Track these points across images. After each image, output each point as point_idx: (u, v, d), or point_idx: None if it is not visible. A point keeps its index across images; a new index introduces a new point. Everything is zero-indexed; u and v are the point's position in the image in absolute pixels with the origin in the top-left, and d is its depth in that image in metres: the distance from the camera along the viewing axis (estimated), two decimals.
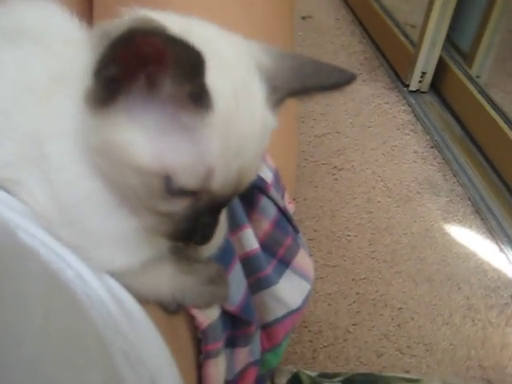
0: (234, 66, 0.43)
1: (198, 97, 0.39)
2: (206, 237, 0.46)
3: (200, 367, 0.58)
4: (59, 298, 0.35)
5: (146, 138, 0.40)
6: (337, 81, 0.47)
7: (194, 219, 0.44)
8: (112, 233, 0.46)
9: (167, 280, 0.52)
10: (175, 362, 0.50)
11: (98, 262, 0.47)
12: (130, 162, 0.40)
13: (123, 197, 0.44)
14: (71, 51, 0.52)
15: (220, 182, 0.42)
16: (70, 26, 0.58)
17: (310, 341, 1.13)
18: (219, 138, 0.41)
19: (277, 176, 0.73)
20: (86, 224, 0.46)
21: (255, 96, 0.44)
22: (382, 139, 1.72)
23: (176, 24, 0.41)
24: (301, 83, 0.47)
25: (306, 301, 0.72)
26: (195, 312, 0.56)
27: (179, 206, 0.43)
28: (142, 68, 0.38)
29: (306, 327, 1.15)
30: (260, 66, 0.45)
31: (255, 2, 0.77)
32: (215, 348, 0.58)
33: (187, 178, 0.41)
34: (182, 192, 0.42)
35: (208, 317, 0.57)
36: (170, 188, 0.41)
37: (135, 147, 0.40)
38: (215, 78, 0.40)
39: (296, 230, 0.74)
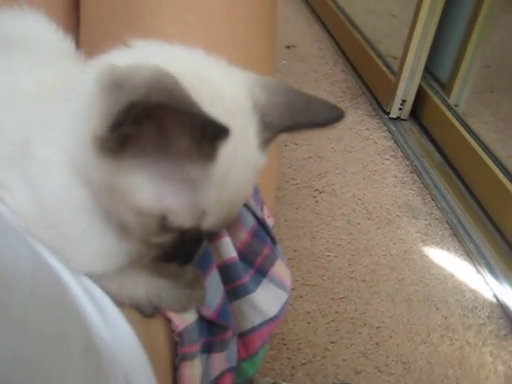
0: (235, 113, 0.45)
1: (207, 154, 0.41)
2: (189, 260, 0.49)
3: (176, 370, 0.58)
4: (44, 276, 0.36)
5: (149, 183, 0.41)
6: (327, 118, 0.49)
7: (179, 246, 0.47)
8: (92, 242, 0.47)
9: (143, 283, 0.53)
10: (150, 363, 0.51)
11: (76, 264, 0.48)
12: (130, 204, 0.42)
13: (109, 218, 0.46)
14: (65, 67, 0.54)
15: (211, 223, 0.45)
16: (56, 37, 0.61)
17: (289, 358, 1.13)
18: (217, 186, 0.43)
19: (256, 189, 0.75)
20: (67, 231, 0.47)
21: (251, 143, 0.46)
22: (362, 164, 1.76)
23: (184, 66, 0.43)
24: (292, 120, 0.48)
25: (282, 310, 0.73)
26: (171, 315, 0.57)
27: (168, 238, 0.46)
28: (159, 126, 0.39)
29: (284, 344, 1.15)
30: (255, 104, 0.47)
31: (239, 26, 0.79)
32: (191, 351, 0.58)
33: (183, 220, 0.43)
34: (174, 229, 0.44)
35: (184, 320, 0.58)
36: (165, 226, 0.43)
37: (138, 191, 0.42)
38: None
39: (274, 241, 0.75)
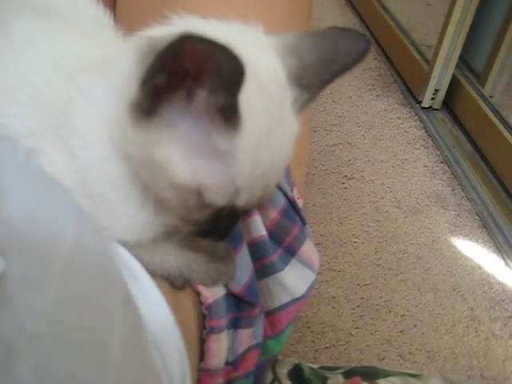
0: (271, 86, 0.45)
1: (228, 114, 0.40)
2: (225, 236, 0.50)
3: (203, 342, 0.59)
4: (88, 230, 0.37)
5: (183, 156, 0.42)
6: (357, 55, 0.49)
7: (215, 223, 0.47)
8: (128, 215, 0.48)
9: (175, 255, 0.54)
10: (180, 331, 0.51)
11: (111, 232, 0.48)
12: (168, 178, 0.43)
13: (147, 192, 0.47)
14: (106, 41, 0.55)
15: (245, 199, 0.45)
16: (95, 10, 0.61)
17: (313, 341, 1.13)
18: (249, 160, 0.43)
19: (287, 170, 0.75)
20: (104, 201, 0.47)
21: (287, 114, 0.47)
22: (392, 152, 1.74)
23: (219, 33, 0.42)
24: (328, 73, 0.48)
25: (310, 290, 0.73)
26: (201, 288, 0.57)
27: (205, 214, 0.46)
28: (185, 78, 0.40)
29: (308, 327, 1.16)
30: (289, 71, 0.47)
31: (275, 6, 0.78)
32: (219, 324, 0.59)
33: (217, 196, 0.44)
34: (210, 205, 0.45)
35: (213, 294, 0.59)
36: (201, 202, 0.44)
37: (174, 165, 0.42)
38: (250, 99, 0.42)
39: (303, 222, 0.75)
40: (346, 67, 0.49)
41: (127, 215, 0.48)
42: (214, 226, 0.48)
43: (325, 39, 0.50)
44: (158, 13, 0.68)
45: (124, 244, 0.50)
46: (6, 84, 0.48)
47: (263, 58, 0.46)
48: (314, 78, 0.48)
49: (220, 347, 0.60)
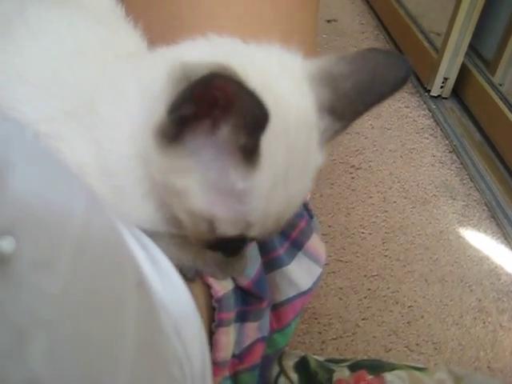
0: (297, 124, 0.45)
1: (248, 153, 0.41)
2: (234, 254, 0.52)
3: (211, 335, 0.59)
4: (97, 214, 0.37)
5: (201, 187, 0.43)
6: (394, 84, 0.48)
7: (226, 243, 0.49)
8: (147, 210, 0.49)
9: (190, 246, 0.54)
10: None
11: (129, 218, 0.49)
12: (183, 203, 0.44)
13: (164, 208, 0.48)
14: (127, 35, 0.55)
15: (257, 231, 0.46)
16: (109, 1, 0.61)
17: (319, 332, 1.14)
18: (264, 200, 0.44)
19: None
20: (126, 193, 0.48)
21: (312, 151, 0.47)
22: (400, 142, 1.73)
23: (254, 70, 0.43)
24: (363, 103, 0.48)
25: (316, 283, 0.73)
26: (212, 281, 0.57)
27: (214, 237, 0.47)
28: (212, 110, 0.40)
29: (315, 319, 1.16)
30: (322, 102, 0.47)
31: None
32: (228, 317, 0.59)
33: (228, 228, 0.45)
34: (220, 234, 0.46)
35: (223, 287, 0.59)
36: (212, 229, 0.46)
37: (191, 194, 0.44)
38: (272, 141, 0.42)
39: (310, 215, 0.75)
40: (382, 97, 0.48)
41: (146, 212, 0.49)
42: (224, 245, 0.49)
43: (362, 66, 0.49)
44: (163, 7, 0.67)
45: (143, 231, 0.50)
46: (21, 68, 0.48)
47: (295, 93, 0.46)
48: (347, 109, 0.48)
49: (228, 340, 0.60)
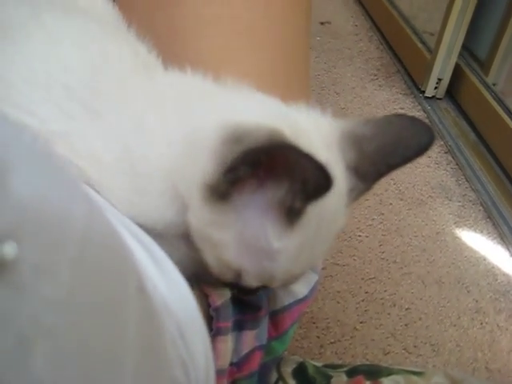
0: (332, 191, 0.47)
1: (292, 215, 0.43)
2: (247, 294, 0.54)
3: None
4: (98, 218, 0.37)
5: (236, 242, 0.45)
6: (417, 149, 0.50)
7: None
8: (164, 215, 0.49)
9: (194, 254, 0.55)
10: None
11: (142, 213, 0.49)
12: (215, 252, 0.46)
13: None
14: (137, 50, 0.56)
15: (278, 284, 0.49)
16: (112, 11, 0.62)
17: (318, 336, 1.14)
18: (291, 260, 0.46)
19: None
20: (146, 194, 0.48)
21: (339, 214, 0.49)
22: None
23: (290, 129, 0.44)
24: (386, 164, 0.49)
25: (312, 291, 0.74)
26: (209, 290, 0.58)
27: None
28: (266, 173, 0.42)
29: (313, 323, 1.16)
30: (348, 162, 0.48)
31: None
32: (226, 326, 0.59)
33: (252, 281, 0.48)
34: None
35: (221, 296, 0.59)
36: (236, 278, 0.48)
37: (225, 247, 0.45)
38: (311, 206, 0.43)
39: None
40: (405, 160, 0.50)
41: (162, 216, 0.49)
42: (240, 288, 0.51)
43: (387, 130, 0.50)
44: (149, 14, 0.68)
45: (149, 232, 0.50)
46: (32, 70, 0.49)
47: (331, 158, 0.47)
48: (371, 169, 0.49)
49: (226, 348, 0.60)
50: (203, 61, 0.69)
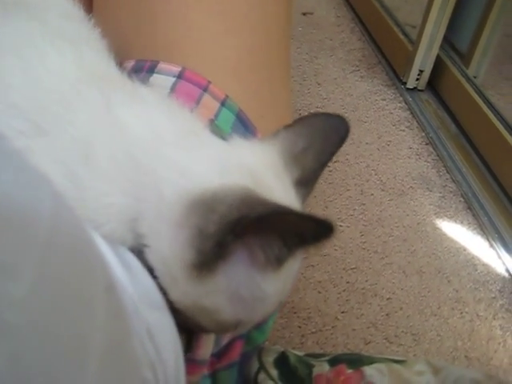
0: None
1: (281, 261, 0.43)
2: None
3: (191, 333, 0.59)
4: (65, 215, 0.36)
5: (230, 302, 0.44)
6: (339, 142, 0.53)
7: None
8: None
9: None
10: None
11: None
12: (211, 317, 0.46)
13: None
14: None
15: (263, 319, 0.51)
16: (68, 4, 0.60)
17: (299, 326, 1.14)
18: (279, 296, 0.47)
19: None
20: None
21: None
22: (377, 134, 1.74)
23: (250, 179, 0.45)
24: (321, 165, 0.53)
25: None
26: None
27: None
28: (257, 236, 0.41)
29: (295, 313, 1.16)
30: (295, 180, 0.50)
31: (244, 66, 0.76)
32: None
33: (249, 326, 0.50)
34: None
35: None
36: (234, 329, 0.50)
37: (219, 310, 0.45)
38: None
39: None
40: (332, 154, 0.53)
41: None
42: None
43: (314, 133, 0.53)
44: (133, 10, 0.66)
45: None
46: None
47: (287, 192, 0.49)
48: (311, 176, 0.52)
49: (208, 338, 0.60)
50: (182, 41, 0.68)
